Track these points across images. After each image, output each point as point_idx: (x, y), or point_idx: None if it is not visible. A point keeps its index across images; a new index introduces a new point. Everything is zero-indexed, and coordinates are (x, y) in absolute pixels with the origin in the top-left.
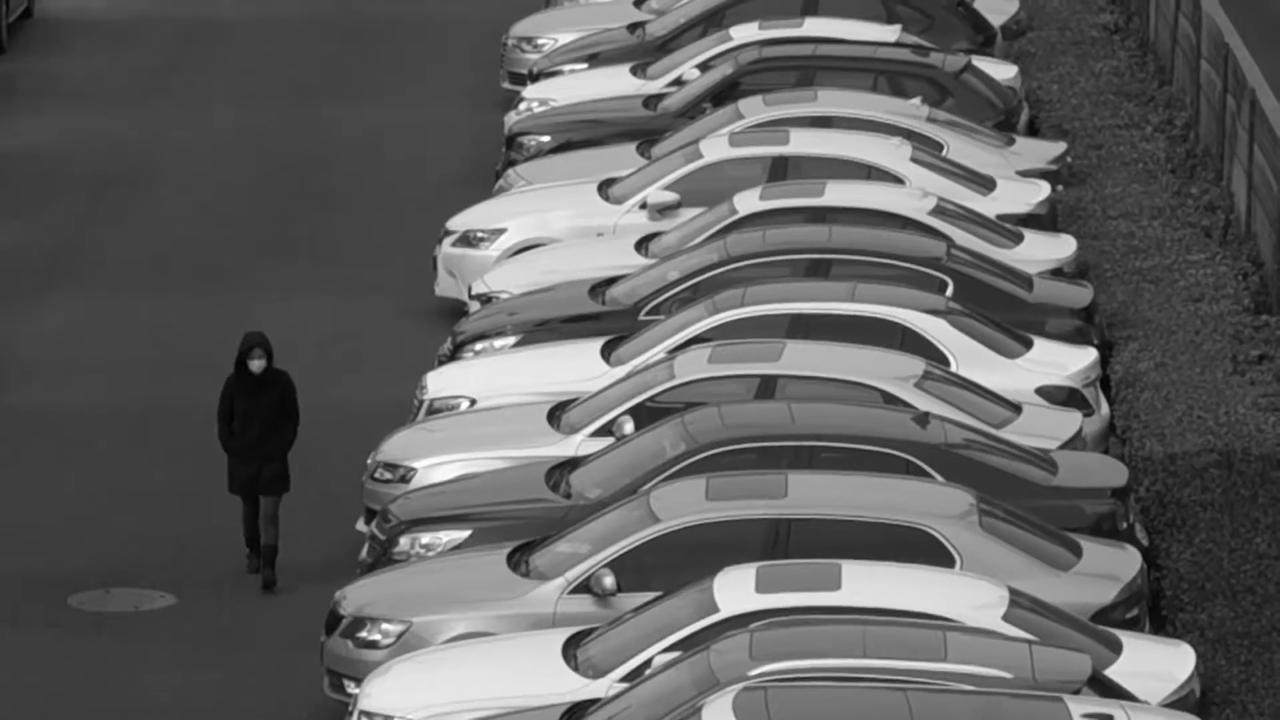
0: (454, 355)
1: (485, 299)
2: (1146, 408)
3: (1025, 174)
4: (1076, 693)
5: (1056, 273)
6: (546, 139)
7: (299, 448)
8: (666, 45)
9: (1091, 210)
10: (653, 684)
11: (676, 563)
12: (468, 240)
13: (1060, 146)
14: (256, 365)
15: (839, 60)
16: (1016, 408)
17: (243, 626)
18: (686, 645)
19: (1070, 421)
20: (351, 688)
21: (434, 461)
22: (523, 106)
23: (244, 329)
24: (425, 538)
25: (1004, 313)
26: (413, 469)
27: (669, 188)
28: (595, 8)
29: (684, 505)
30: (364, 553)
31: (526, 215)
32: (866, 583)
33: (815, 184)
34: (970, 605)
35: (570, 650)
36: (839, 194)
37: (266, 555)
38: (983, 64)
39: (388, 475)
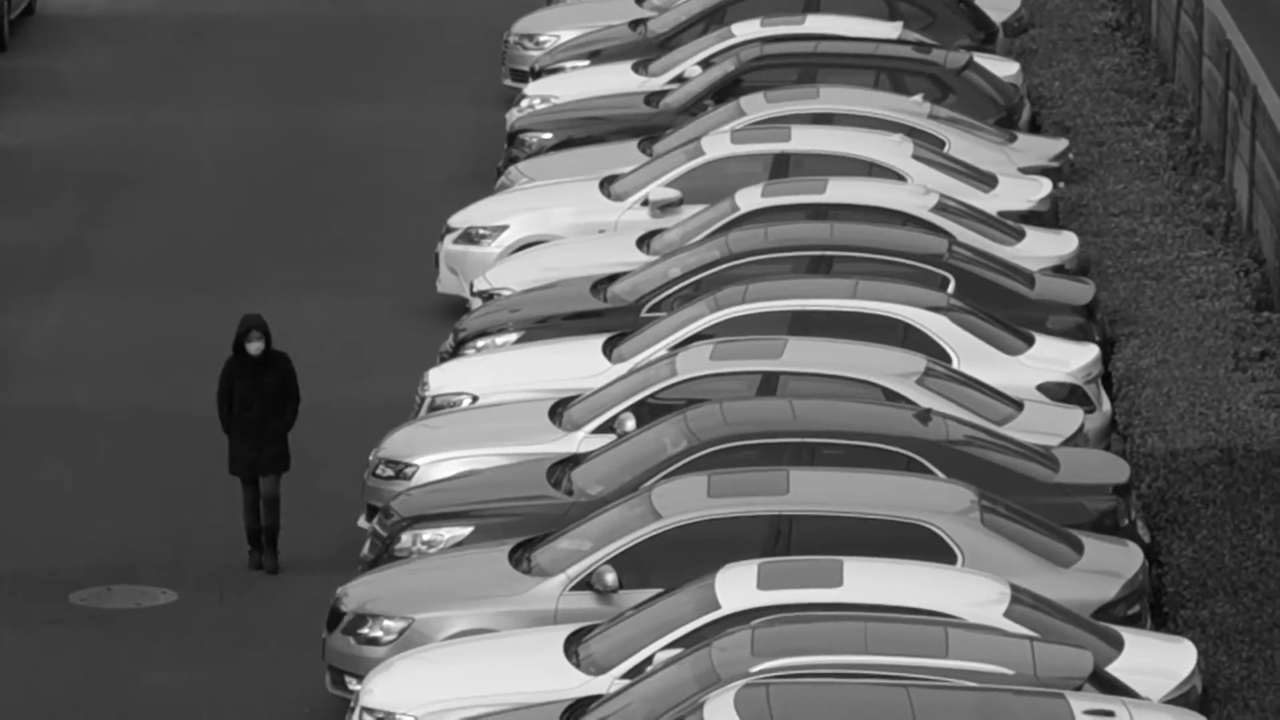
0: (456, 352)
1: (487, 296)
2: (1148, 404)
3: (1027, 171)
4: (1078, 689)
5: (1058, 269)
6: (548, 136)
7: (301, 445)
8: (668, 42)
9: (1093, 207)
10: (654, 681)
11: (678, 559)
12: (469, 237)
13: (1062, 143)
14: (255, 347)
15: (841, 57)
16: (1018, 404)
17: (244, 623)
18: (688, 642)
19: (1072, 418)
20: (353, 684)
21: (436, 458)
22: (524, 103)
23: None
24: (427, 534)
25: (1005, 309)
26: (414, 466)
27: (671, 185)
28: (597, 5)
29: (685, 502)
30: (365, 549)
31: (528, 212)
32: (868, 579)
33: (817, 181)
34: (972, 602)
35: (572, 647)
36: (840, 191)
37: (269, 536)
38: (984, 61)
39: (389, 472)
